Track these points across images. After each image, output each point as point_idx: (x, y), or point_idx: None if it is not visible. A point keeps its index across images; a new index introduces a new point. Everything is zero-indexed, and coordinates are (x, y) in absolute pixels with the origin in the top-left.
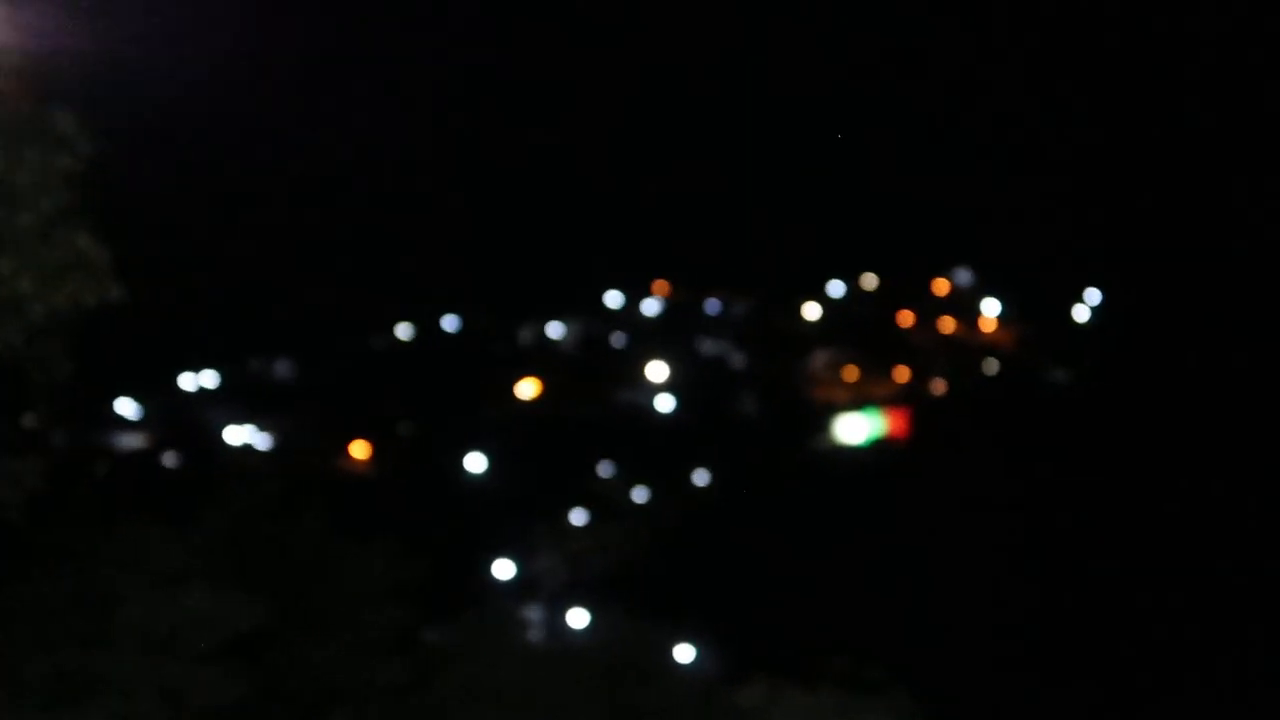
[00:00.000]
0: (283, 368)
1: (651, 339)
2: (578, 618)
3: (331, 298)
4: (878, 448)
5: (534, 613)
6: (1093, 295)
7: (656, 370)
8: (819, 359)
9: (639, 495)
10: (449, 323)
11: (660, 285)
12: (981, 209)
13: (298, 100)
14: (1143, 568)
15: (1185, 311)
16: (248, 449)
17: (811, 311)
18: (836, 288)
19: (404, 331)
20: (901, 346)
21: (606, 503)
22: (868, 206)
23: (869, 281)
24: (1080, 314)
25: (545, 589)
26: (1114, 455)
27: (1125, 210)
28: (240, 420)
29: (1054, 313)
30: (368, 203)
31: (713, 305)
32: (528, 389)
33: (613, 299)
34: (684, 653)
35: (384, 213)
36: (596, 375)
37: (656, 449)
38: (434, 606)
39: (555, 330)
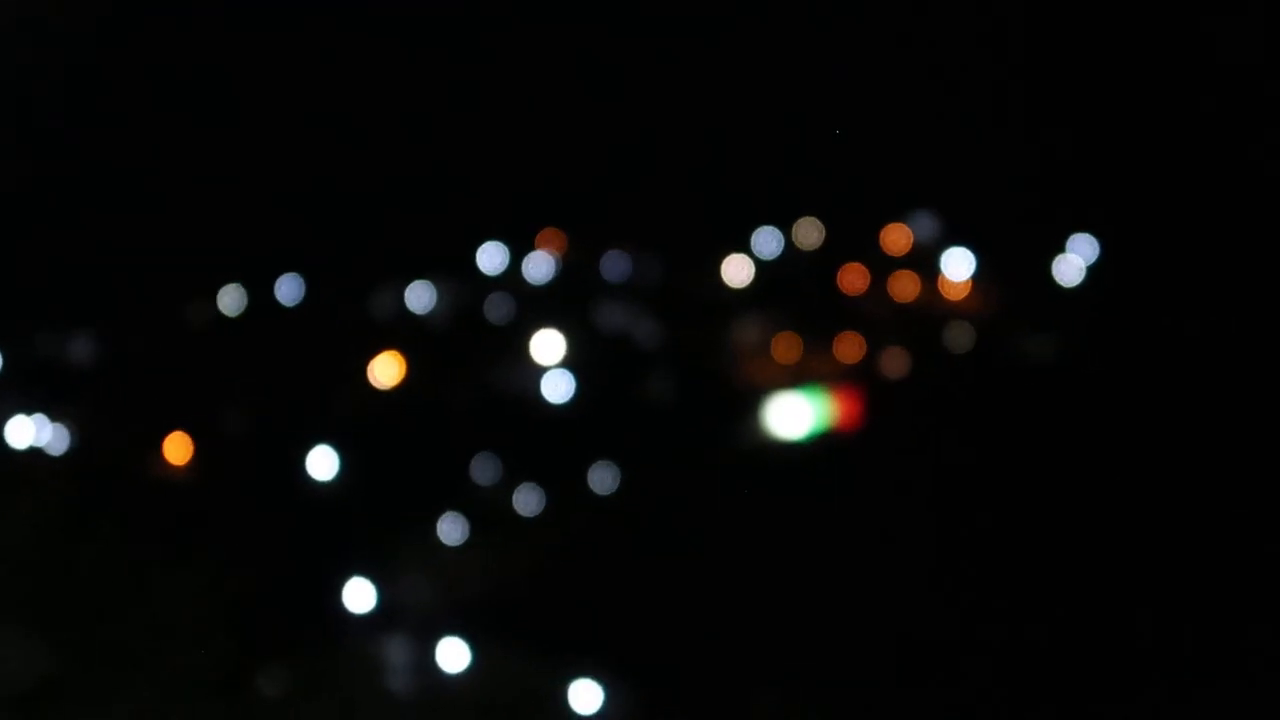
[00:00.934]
0: (79, 346)
1: (539, 306)
2: (452, 653)
3: (138, 259)
4: (821, 441)
5: (397, 648)
6: (1086, 246)
7: (545, 346)
8: (747, 330)
9: (526, 501)
10: (285, 289)
11: (548, 237)
12: (945, 136)
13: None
14: (1144, 586)
15: (1202, 267)
16: (33, 448)
17: (737, 270)
18: (767, 240)
19: (229, 299)
20: (848, 313)
21: (486, 511)
22: (802, 135)
23: (807, 231)
24: (1070, 270)
25: (411, 618)
26: (1111, 449)
27: (1129, 135)
28: (25, 411)
29: (1038, 270)
30: (181, 140)
31: (614, 263)
32: (385, 371)
33: (489, 257)
34: (585, 694)
35: (202, 152)
36: (470, 352)
37: (547, 444)
38: (269, 641)
39: (418, 297)
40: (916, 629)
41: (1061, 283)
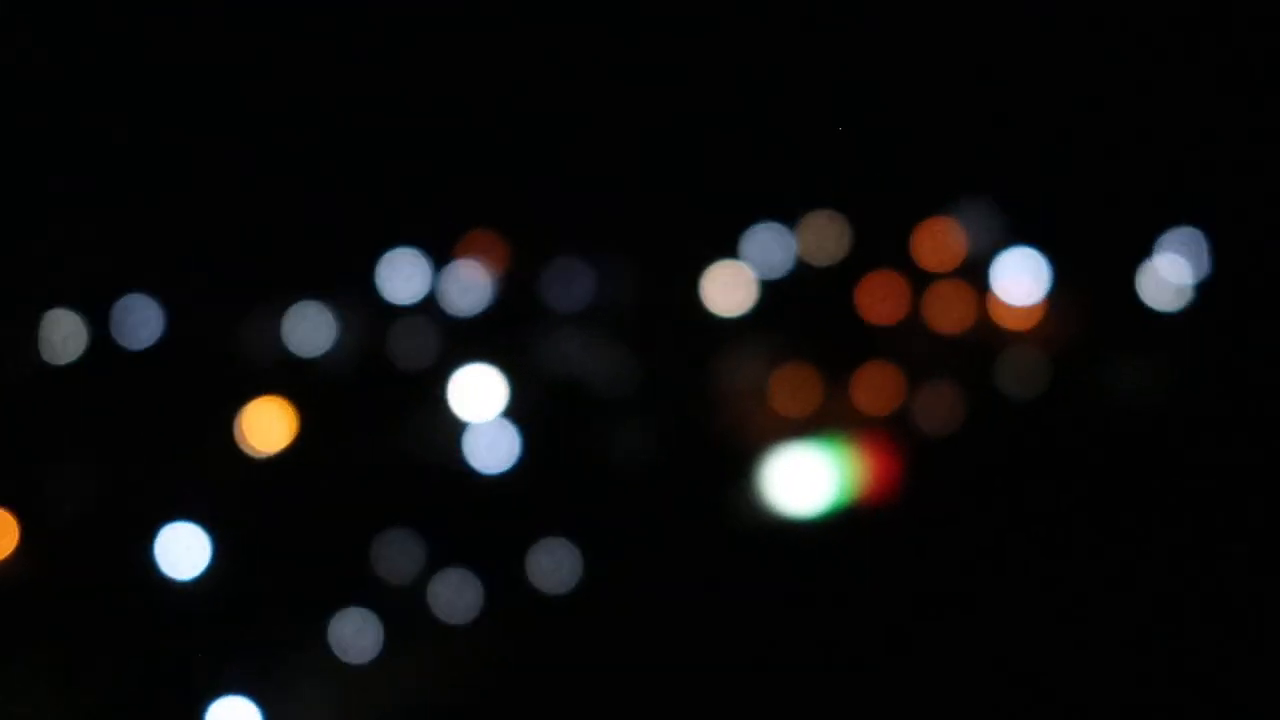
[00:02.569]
0: None
1: (467, 337)
2: None
3: None
4: (841, 515)
5: None
6: (1185, 256)
7: (474, 391)
8: (741, 365)
9: (451, 599)
10: (130, 319)
11: (480, 243)
12: (1000, 108)
13: None
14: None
15: None
16: None
17: (728, 285)
18: (766, 245)
19: (59, 335)
20: (874, 342)
21: (399, 609)
22: (812, 109)
23: (819, 233)
24: (1166, 288)
25: None
26: (1218, 511)
27: (1240, 115)
28: None
29: (1125, 285)
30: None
31: (565, 279)
32: (265, 426)
33: (399, 272)
34: None
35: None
36: (377, 400)
37: (479, 522)
38: None
39: (307, 326)
40: None
41: (1151, 303)
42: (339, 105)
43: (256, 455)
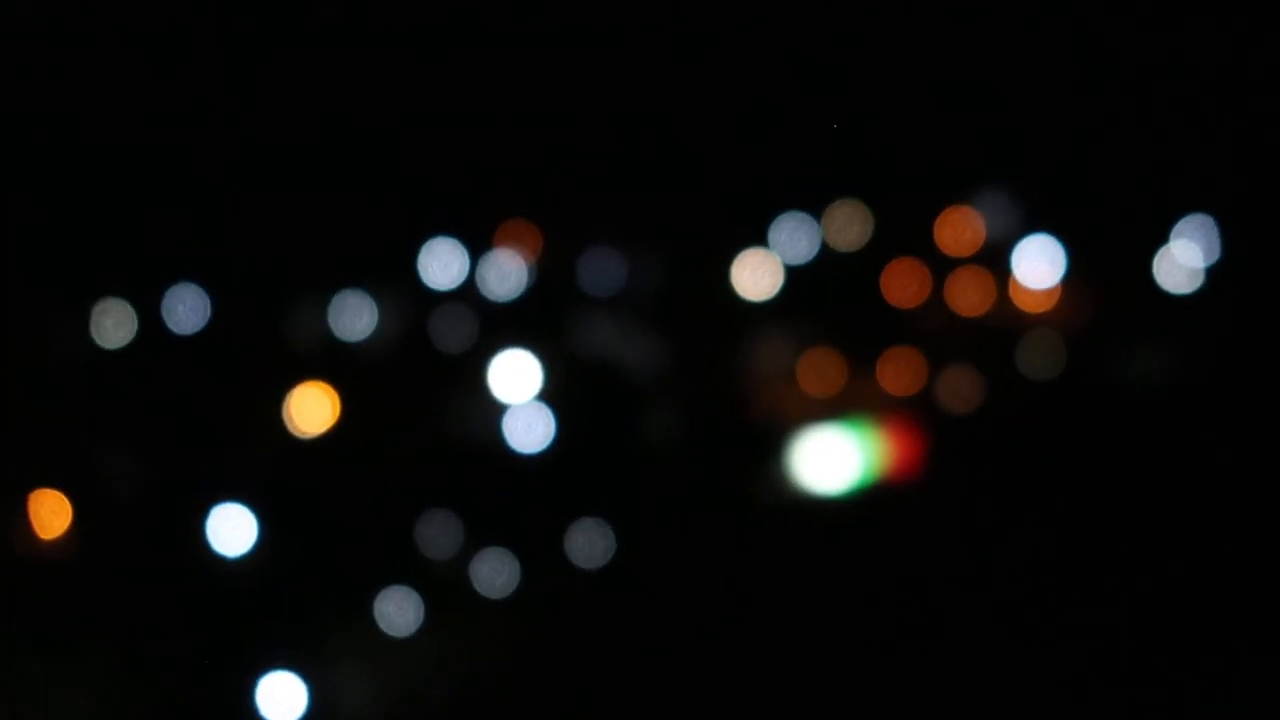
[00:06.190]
0: None
1: (503, 324)
2: None
3: None
4: (866, 493)
5: None
6: (1199, 237)
7: (512, 375)
8: (769, 349)
9: (490, 575)
10: (180, 308)
11: (516, 232)
12: (1020, 96)
13: None
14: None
15: None
16: None
17: (756, 272)
18: (794, 233)
19: (112, 322)
20: (898, 326)
21: (439, 588)
22: (837, 100)
23: (845, 221)
24: (1181, 271)
25: None
26: (1237, 494)
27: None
28: None
29: (1143, 269)
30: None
31: (599, 266)
32: (310, 410)
33: (439, 260)
34: None
35: (66, 139)
36: (417, 383)
37: (516, 501)
38: None
39: (350, 315)
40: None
41: (1168, 287)
42: (383, 108)
43: (302, 437)
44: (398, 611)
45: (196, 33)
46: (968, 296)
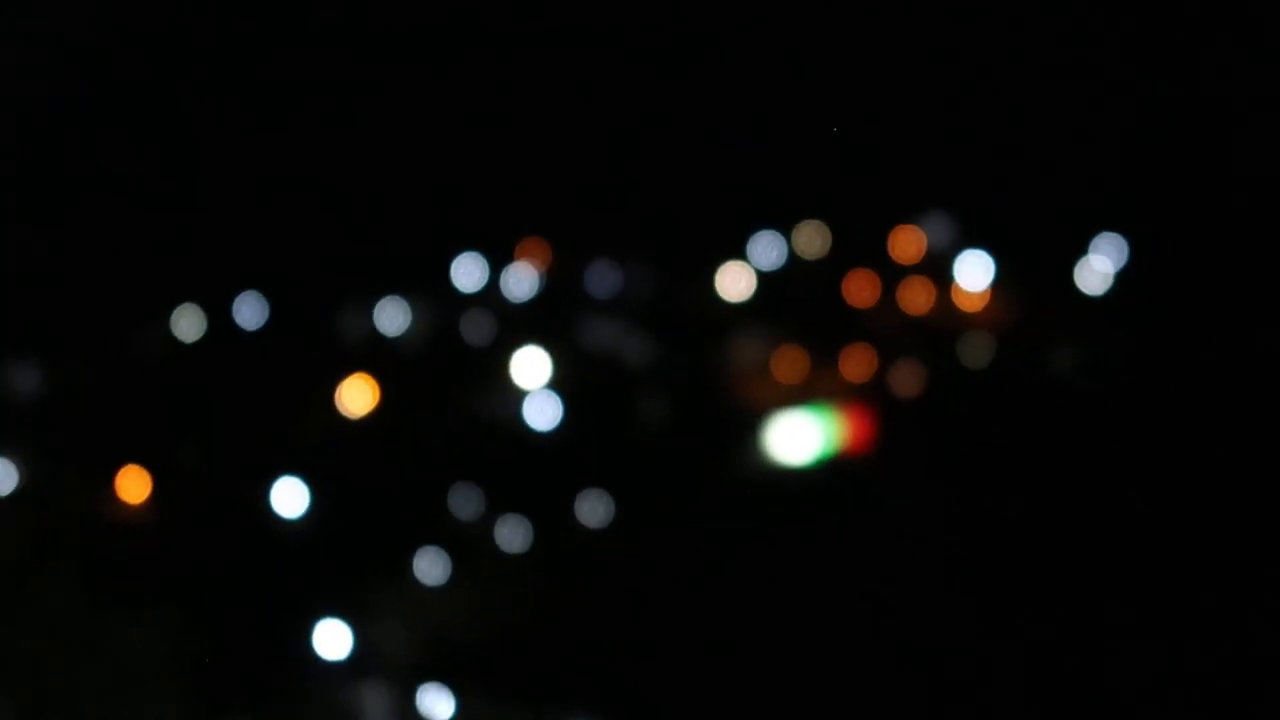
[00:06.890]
0: (23, 376)
1: (520, 324)
2: (434, 702)
3: (84, 281)
4: (828, 466)
5: (374, 699)
6: (1112, 248)
7: (528, 367)
8: (746, 346)
9: (510, 536)
10: (245, 310)
11: (530, 248)
12: (957, 130)
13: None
14: (1176, 607)
15: (1241, 269)
16: None
17: (734, 280)
18: (766, 247)
19: (185, 323)
20: (855, 326)
21: (467, 547)
22: (802, 132)
23: (810, 237)
24: (1095, 276)
25: (388, 664)
26: (1143, 469)
27: (1159, 125)
28: None
29: (1061, 275)
30: (122, 152)
31: (601, 275)
32: (355, 397)
33: (466, 270)
34: None
35: (147, 163)
36: (447, 375)
37: (531, 474)
38: (236, 691)
39: (390, 316)
40: (933, 664)
41: (1086, 290)
42: (425, 147)
43: (349, 419)
44: (430, 566)
45: (272, 83)
46: (915, 300)
